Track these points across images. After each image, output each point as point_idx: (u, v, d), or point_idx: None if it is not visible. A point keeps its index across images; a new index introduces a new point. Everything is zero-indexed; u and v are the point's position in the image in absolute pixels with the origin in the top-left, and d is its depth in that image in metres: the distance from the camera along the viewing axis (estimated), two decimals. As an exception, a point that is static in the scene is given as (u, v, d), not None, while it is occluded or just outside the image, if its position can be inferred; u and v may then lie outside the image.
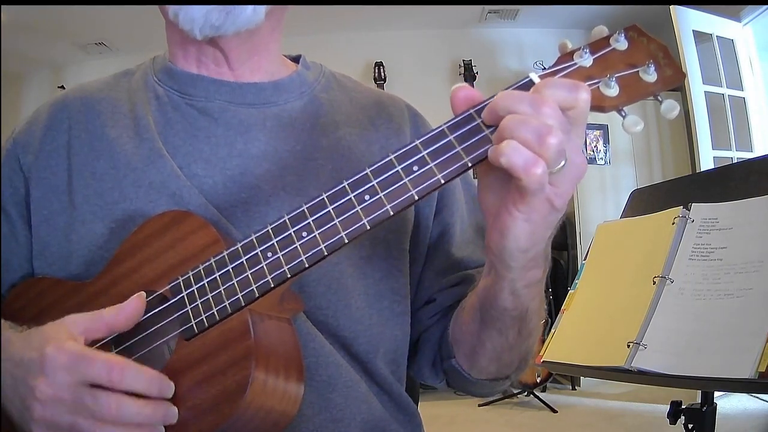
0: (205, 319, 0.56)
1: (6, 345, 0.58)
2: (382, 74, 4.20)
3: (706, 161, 3.06)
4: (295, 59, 0.82)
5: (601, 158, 3.80)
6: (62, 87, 4.22)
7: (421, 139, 0.50)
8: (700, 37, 3.16)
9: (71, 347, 0.53)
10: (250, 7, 0.66)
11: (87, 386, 0.52)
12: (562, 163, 0.47)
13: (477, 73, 4.15)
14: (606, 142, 3.79)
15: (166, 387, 0.54)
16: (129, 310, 0.57)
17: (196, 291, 0.57)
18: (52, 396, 0.52)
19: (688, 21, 3.13)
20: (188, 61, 0.74)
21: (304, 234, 0.52)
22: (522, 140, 0.45)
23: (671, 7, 3.12)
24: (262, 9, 0.67)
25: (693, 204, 1.04)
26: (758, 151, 3.25)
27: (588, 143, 3.77)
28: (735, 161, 3.01)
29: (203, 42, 0.69)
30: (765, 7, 3.21)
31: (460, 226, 0.78)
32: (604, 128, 3.78)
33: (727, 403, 2.81)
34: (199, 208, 0.65)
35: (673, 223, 1.04)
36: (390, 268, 0.72)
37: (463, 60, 4.21)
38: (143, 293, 0.58)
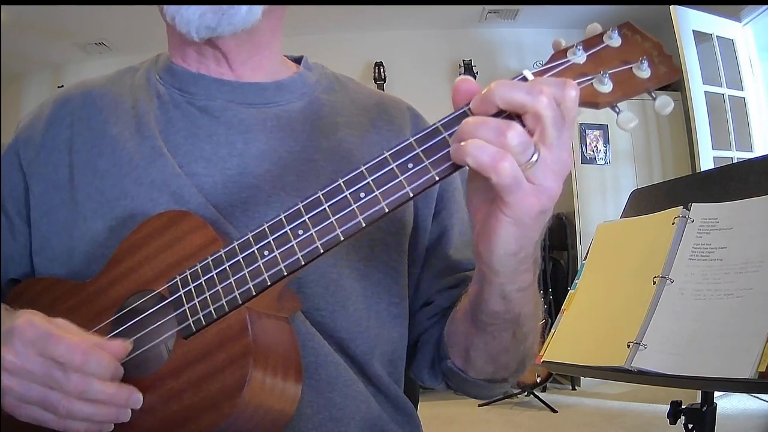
0: (202, 318, 0.56)
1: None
2: (382, 74, 4.20)
3: (706, 161, 3.05)
4: (297, 60, 0.82)
5: (601, 158, 3.80)
6: (62, 87, 4.22)
7: (416, 137, 0.51)
8: (700, 37, 3.16)
9: (40, 323, 0.54)
10: (244, 8, 0.66)
11: (56, 362, 0.53)
12: (534, 157, 0.46)
13: (477, 73, 4.15)
14: (606, 142, 3.79)
15: (118, 372, 0.55)
16: (114, 346, 0.57)
17: (193, 290, 0.57)
18: (21, 367, 0.53)
19: (688, 21, 3.13)
20: (189, 61, 0.74)
21: (300, 232, 0.53)
22: (482, 137, 0.45)
23: (671, 7, 3.12)
24: (257, 9, 0.67)
25: (693, 204, 1.04)
26: (758, 151, 3.25)
27: (588, 143, 3.77)
28: (735, 161, 3.01)
29: (202, 43, 0.69)
30: (765, 7, 3.21)
31: (459, 228, 0.78)
32: (604, 128, 3.78)
33: (727, 403, 2.81)
34: (199, 207, 0.65)
35: (673, 223, 1.04)
36: (388, 269, 0.72)
37: (463, 60, 4.21)
38: (129, 344, 0.57)
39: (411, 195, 0.50)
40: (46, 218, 0.69)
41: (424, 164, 0.50)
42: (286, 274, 0.53)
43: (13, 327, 0.54)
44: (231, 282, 0.55)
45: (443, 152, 0.49)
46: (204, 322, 0.56)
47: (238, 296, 0.54)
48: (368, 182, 0.51)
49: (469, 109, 0.49)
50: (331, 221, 0.52)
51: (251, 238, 0.55)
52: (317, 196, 0.53)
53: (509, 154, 0.45)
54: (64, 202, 0.69)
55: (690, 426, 1.07)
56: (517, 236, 0.50)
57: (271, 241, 0.54)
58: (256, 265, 0.54)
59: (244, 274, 0.54)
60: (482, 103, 0.48)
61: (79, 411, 0.53)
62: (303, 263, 0.52)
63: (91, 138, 0.71)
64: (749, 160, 1.22)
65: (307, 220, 0.53)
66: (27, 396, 0.53)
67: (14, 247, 0.71)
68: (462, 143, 0.46)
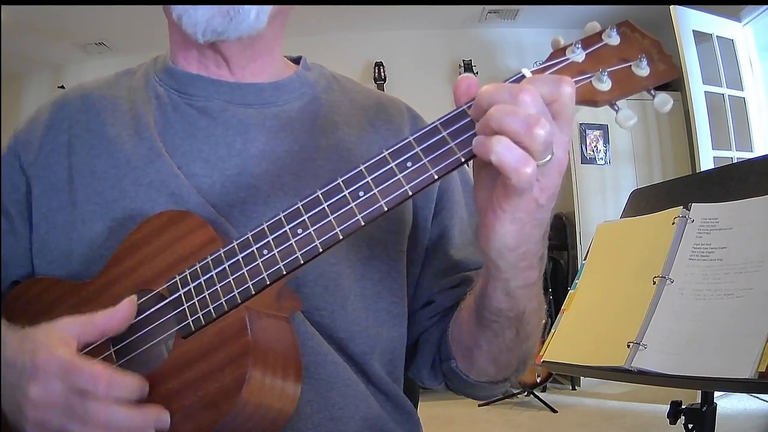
0: (202, 317, 0.56)
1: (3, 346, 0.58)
2: (382, 74, 4.20)
3: (706, 161, 3.05)
4: (296, 60, 0.82)
5: (601, 158, 3.79)
6: (62, 87, 4.22)
7: (415, 136, 0.51)
8: (700, 37, 3.16)
9: (62, 354, 0.53)
10: (253, 14, 0.66)
11: (78, 392, 0.52)
12: (549, 156, 0.47)
13: (477, 73, 4.15)
14: (606, 142, 3.79)
15: (144, 394, 0.54)
16: (121, 313, 0.57)
17: (192, 289, 0.57)
18: (45, 400, 0.52)
19: (688, 21, 3.13)
20: (189, 61, 0.74)
21: (299, 231, 0.53)
22: (510, 131, 0.45)
23: (671, 7, 3.11)
24: (265, 16, 0.67)
25: (693, 204, 1.04)
26: (758, 151, 3.24)
27: (588, 143, 3.77)
28: (735, 161, 3.01)
29: (204, 45, 0.69)
30: (765, 7, 3.21)
31: (459, 227, 0.78)
32: (604, 128, 3.77)
33: (727, 403, 2.81)
34: (198, 208, 0.65)
35: (673, 223, 1.04)
36: (388, 269, 0.72)
37: (463, 60, 4.21)
38: (134, 296, 0.58)
39: (410, 193, 0.50)
40: (45, 221, 0.69)
41: (422, 162, 0.50)
42: (285, 273, 0.53)
43: (35, 361, 0.53)
44: (230, 281, 0.55)
45: (442, 151, 0.50)
46: (203, 322, 0.56)
47: (237, 295, 0.54)
48: (367, 181, 0.51)
49: (469, 107, 0.50)
50: (330, 220, 0.52)
51: (250, 238, 0.55)
52: (316, 195, 0.53)
53: (533, 160, 0.45)
54: (63, 205, 0.69)
55: (690, 426, 1.07)
56: (515, 231, 0.51)
57: (270, 241, 0.54)
58: (255, 264, 0.54)
59: (243, 273, 0.54)
60: (475, 110, 0.49)
61: None
62: (302, 262, 0.53)
63: (89, 140, 0.71)
64: (749, 160, 1.22)
65: (306, 219, 0.53)
66: (49, 426, 0.52)
67: (16, 249, 0.71)
68: (489, 139, 0.46)
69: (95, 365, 0.53)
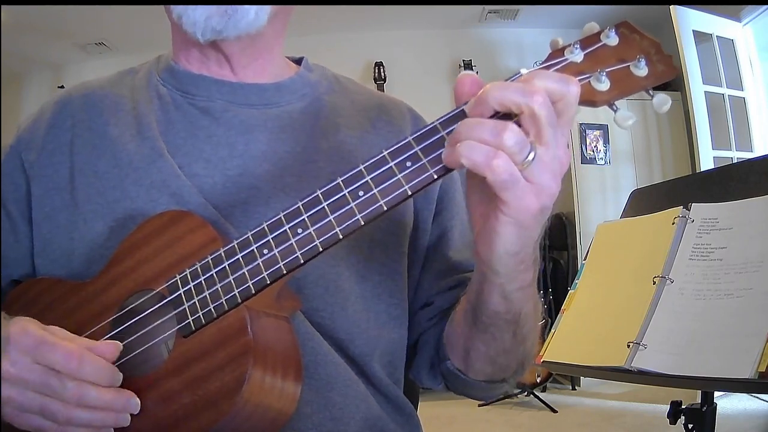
0: (202, 317, 0.56)
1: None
2: (382, 74, 4.19)
3: (706, 161, 3.05)
4: (298, 61, 0.82)
5: (601, 158, 3.79)
6: (62, 87, 4.21)
7: (414, 135, 0.51)
8: (700, 37, 3.16)
9: (34, 331, 0.54)
10: (252, 12, 0.66)
11: (52, 370, 0.53)
12: (531, 156, 0.46)
13: (477, 73, 4.12)
14: (606, 142, 3.79)
15: (116, 378, 0.55)
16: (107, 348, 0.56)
17: (193, 288, 0.57)
18: (17, 376, 0.53)
19: (688, 21, 3.13)
20: (191, 61, 0.74)
21: (299, 230, 0.53)
22: (479, 139, 0.46)
23: (671, 7, 3.11)
24: (264, 14, 0.67)
25: (693, 204, 1.04)
26: (758, 151, 3.24)
27: (588, 143, 3.76)
28: (735, 161, 3.01)
29: (206, 45, 0.70)
30: (765, 7, 3.21)
31: (459, 229, 0.78)
32: (604, 128, 3.77)
33: (727, 403, 2.81)
34: (199, 208, 0.66)
35: (673, 223, 1.04)
36: (388, 271, 0.72)
37: (463, 60, 4.21)
38: (119, 344, 0.57)
39: (409, 193, 0.50)
40: (47, 220, 0.70)
41: (422, 162, 0.50)
42: (285, 272, 0.53)
43: (8, 335, 0.54)
44: (230, 280, 0.55)
45: (441, 150, 0.50)
46: (203, 321, 0.56)
47: (237, 295, 0.54)
48: (367, 181, 0.51)
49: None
50: (330, 220, 0.52)
51: (251, 237, 0.55)
52: (316, 194, 0.53)
53: (502, 152, 0.45)
54: (65, 204, 0.69)
55: (690, 426, 1.07)
56: (518, 236, 0.50)
57: (270, 240, 0.54)
58: (256, 263, 0.54)
59: (244, 272, 0.55)
60: (477, 106, 0.48)
61: (78, 418, 0.53)
62: (302, 261, 0.53)
63: (91, 140, 0.71)
64: (749, 160, 1.22)
65: (306, 219, 0.53)
66: (26, 405, 0.53)
67: (17, 248, 0.71)
68: (454, 147, 0.47)
69: (69, 343, 0.54)
